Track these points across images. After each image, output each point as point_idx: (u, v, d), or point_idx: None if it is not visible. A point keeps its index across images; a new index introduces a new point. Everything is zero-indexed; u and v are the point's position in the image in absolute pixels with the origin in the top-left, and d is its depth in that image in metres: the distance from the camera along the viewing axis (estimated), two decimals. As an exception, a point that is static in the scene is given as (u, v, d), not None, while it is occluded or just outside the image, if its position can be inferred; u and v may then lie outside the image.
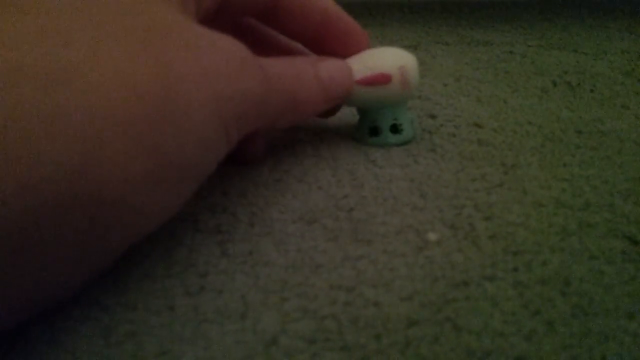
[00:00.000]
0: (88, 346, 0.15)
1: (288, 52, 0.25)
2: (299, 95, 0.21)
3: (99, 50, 0.14)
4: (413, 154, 0.25)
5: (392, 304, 0.16)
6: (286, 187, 0.23)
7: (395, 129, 0.26)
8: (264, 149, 0.25)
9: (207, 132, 0.16)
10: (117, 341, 0.15)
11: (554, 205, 0.21)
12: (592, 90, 0.36)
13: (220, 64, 0.17)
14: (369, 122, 0.26)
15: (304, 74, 0.22)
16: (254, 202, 0.22)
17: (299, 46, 0.26)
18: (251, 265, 0.18)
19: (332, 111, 0.27)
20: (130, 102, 0.14)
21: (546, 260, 0.18)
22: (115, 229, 0.14)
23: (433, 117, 0.30)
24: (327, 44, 0.24)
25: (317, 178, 0.23)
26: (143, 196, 0.14)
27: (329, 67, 0.23)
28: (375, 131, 0.26)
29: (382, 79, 0.24)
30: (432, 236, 0.19)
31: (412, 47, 0.45)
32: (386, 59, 0.24)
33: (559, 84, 0.37)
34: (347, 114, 0.29)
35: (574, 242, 0.19)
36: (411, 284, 0.17)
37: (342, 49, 0.25)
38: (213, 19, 0.20)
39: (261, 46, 0.25)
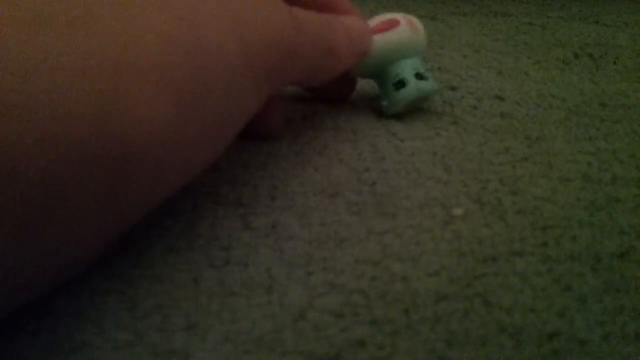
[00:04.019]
0: (114, 319, 0.14)
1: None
2: (333, 43, 0.21)
3: None
4: (435, 127, 0.25)
5: (420, 279, 0.16)
6: (306, 160, 0.22)
7: (420, 77, 0.25)
8: (282, 123, 0.24)
9: (236, 81, 0.15)
10: (144, 314, 0.15)
11: (581, 179, 0.21)
12: (615, 63, 0.35)
13: (248, 8, 0.16)
14: (392, 80, 0.25)
15: (335, 26, 0.21)
16: (275, 175, 0.21)
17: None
18: (275, 239, 0.18)
19: (349, 89, 0.27)
20: (153, 48, 0.13)
21: (576, 235, 0.18)
22: (140, 183, 0.14)
23: (454, 89, 0.29)
24: None
25: (338, 151, 0.23)
26: (168, 149, 0.14)
27: (352, 23, 0.23)
28: (402, 84, 0.25)
29: (391, 23, 0.25)
30: (458, 211, 0.19)
31: (429, 18, 0.44)
32: (391, 13, 0.26)
33: (580, 56, 0.36)
34: (364, 86, 0.29)
35: (604, 217, 0.19)
36: (439, 259, 0.17)
37: None
38: None
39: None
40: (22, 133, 0.11)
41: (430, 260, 0.17)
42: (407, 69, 0.25)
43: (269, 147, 0.23)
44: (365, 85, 0.28)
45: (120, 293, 0.15)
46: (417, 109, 0.26)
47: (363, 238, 0.18)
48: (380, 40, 0.24)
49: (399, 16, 0.25)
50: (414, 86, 0.25)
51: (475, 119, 0.26)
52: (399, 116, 0.26)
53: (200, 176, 0.16)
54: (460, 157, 0.22)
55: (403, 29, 0.25)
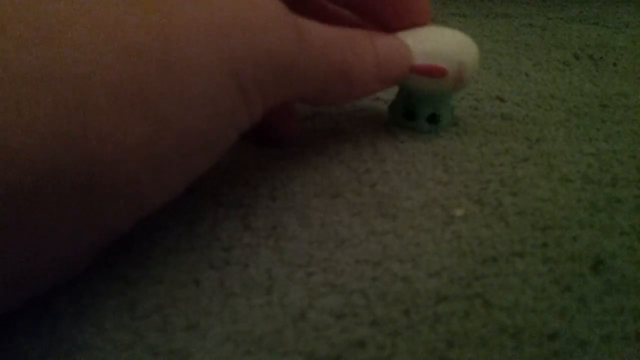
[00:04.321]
0: (114, 320, 0.14)
1: (338, 21, 0.22)
2: (353, 67, 0.19)
3: (87, 1, 0.12)
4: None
5: (421, 279, 0.16)
6: (306, 160, 0.22)
7: (432, 118, 0.24)
8: (297, 133, 0.23)
9: (220, 97, 0.14)
10: (143, 315, 0.15)
11: (582, 180, 0.21)
12: (614, 64, 0.35)
13: (237, 15, 0.15)
14: (407, 104, 0.24)
15: (359, 46, 0.19)
16: (275, 175, 0.21)
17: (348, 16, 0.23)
18: (275, 240, 0.18)
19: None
20: (122, 59, 0.12)
21: (576, 236, 0.18)
22: (112, 203, 0.13)
23: (454, 90, 0.29)
24: (379, 10, 0.22)
25: (338, 151, 0.23)
26: (140, 167, 0.13)
27: (388, 45, 0.21)
28: (411, 115, 0.24)
29: (437, 72, 0.21)
30: (458, 211, 0.19)
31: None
32: (447, 50, 0.22)
33: (581, 57, 0.36)
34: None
35: (604, 218, 0.19)
36: (439, 259, 0.17)
37: (397, 20, 0.22)
38: None
39: (308, 13, 0.20)
40: None
41: (431, 261, 0.17)
42: (425, 106, 0.23)
43: (269, 148, 0.23)
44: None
45: (120, 294, 0.15)
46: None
47: (363, 238, 0.18)
48: (414, 78, 0.22)
49: (453, 61, 0.21)
50: (418, 125, 0.24)
51: (476, 120, 0.26)
52: (399, 117, 0.26)
53: (200, 176, 0.16)
54: (460, 158, 0.22)
55: (446, 82, 0.22)
